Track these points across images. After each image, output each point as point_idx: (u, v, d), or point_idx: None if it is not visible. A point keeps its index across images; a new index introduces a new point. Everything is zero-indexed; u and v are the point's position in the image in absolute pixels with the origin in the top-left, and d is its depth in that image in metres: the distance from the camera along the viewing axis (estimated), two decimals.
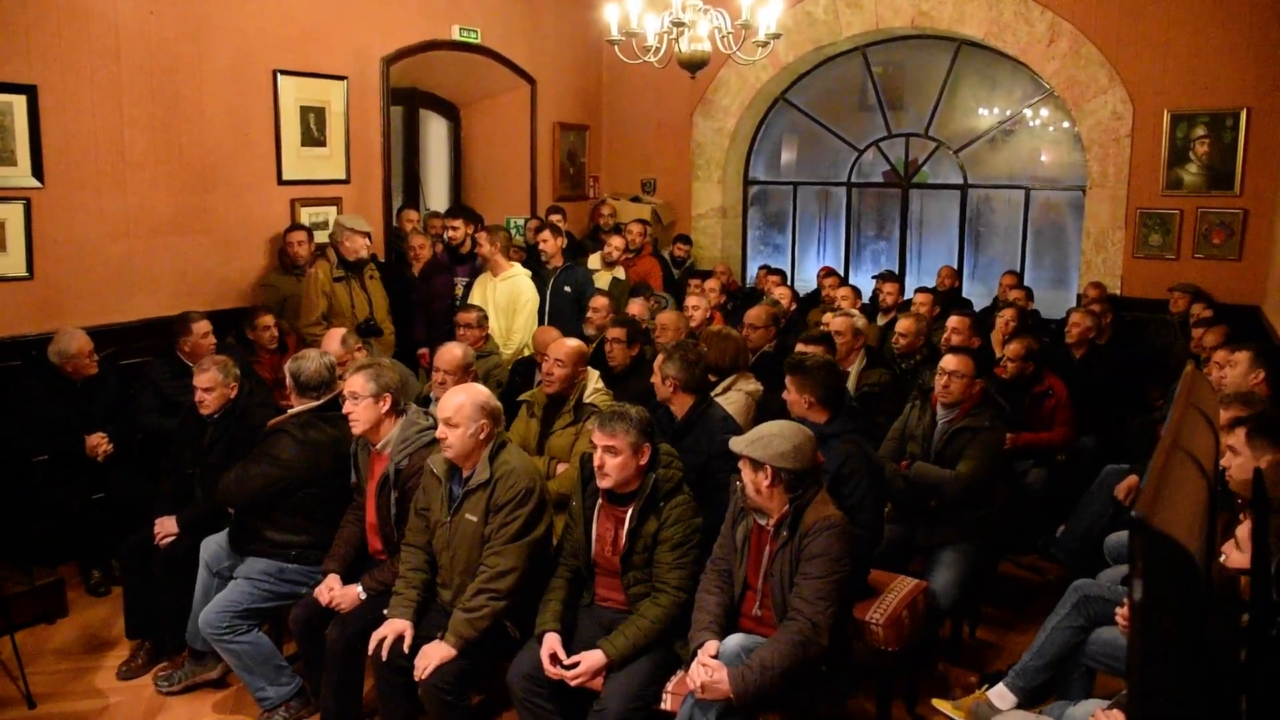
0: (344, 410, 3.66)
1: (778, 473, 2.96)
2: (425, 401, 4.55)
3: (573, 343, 4.48)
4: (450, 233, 6.57)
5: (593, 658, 3.08)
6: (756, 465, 2.98)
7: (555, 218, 7.90)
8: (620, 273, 7.58)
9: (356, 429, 3.65)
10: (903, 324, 5.66)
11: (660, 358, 4.05)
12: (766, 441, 2.99)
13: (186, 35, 6.04)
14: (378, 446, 3.68)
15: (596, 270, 7.38)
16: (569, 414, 4.29)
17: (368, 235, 6.02)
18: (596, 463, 3.19)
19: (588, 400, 4.39)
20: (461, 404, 3.32)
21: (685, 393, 3.96)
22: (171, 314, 5.45)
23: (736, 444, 3.04)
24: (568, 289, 6.56)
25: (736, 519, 3.13)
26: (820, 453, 3.12)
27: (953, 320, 5.67)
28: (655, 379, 4.03)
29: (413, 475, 3.57)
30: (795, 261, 9.97)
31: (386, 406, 3.64)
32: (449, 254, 6.66)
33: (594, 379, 4.56)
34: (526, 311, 6.16)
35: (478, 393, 3.41)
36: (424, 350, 6.31)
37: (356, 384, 3.63)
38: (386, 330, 6.15)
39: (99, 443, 4.83)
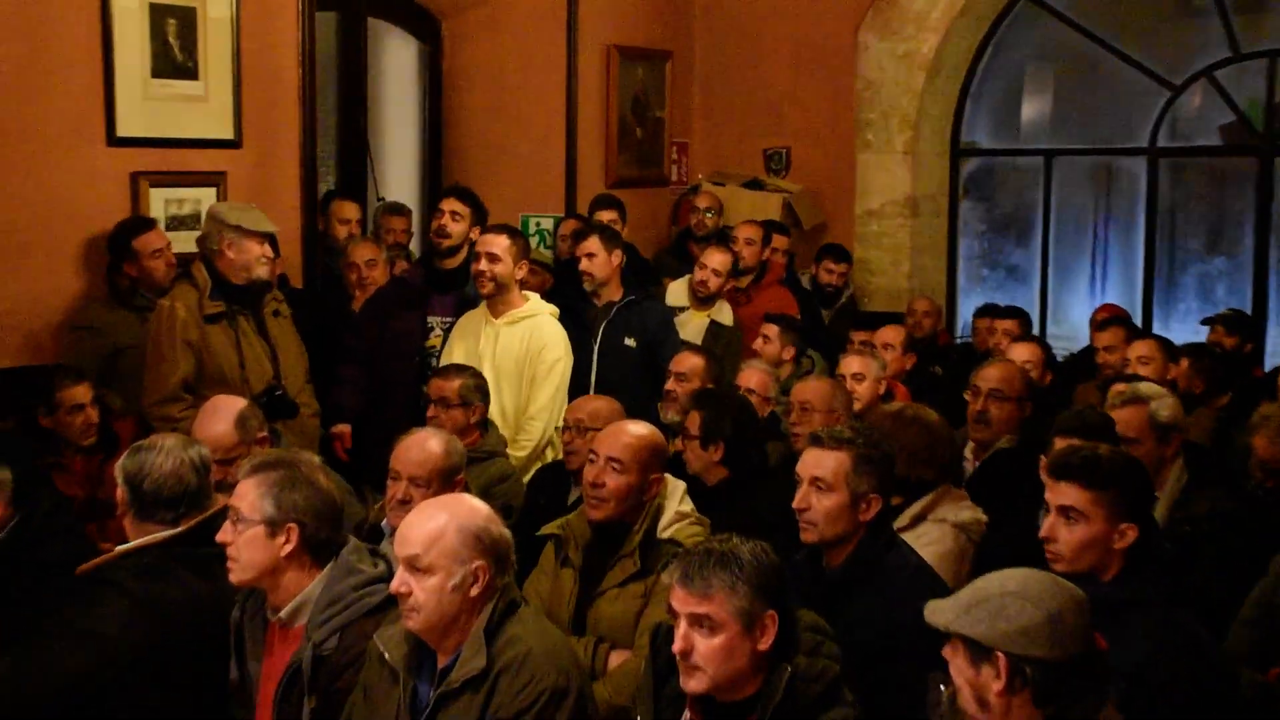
0: (218, 539, 3.62)
1: (1019, 667, 2.88)
2: (375, 535, 4.52)
3: (639, 430, 4.48)
4: (449, 225, 6.53)
5: None
6: (979, 653, 2.92)
7: (609, 216, 7.94)
8: (725, 313, 7.52)
9: (237, 576, 3.62)
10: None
11: (828, 457, 4.00)
12: (996, 609, 2.93)
13: None
14: (281, 614, 3.63)
15: (683, 309, 7.42)
16: (631, 558, 4.29)
17: (270, 240, 6.03)
18: (679, 646, 3.16)
19: (665, 534, 4.41)
20: (439, 532, 3.35)
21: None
22: None
23: (940, 614, 3.01)
24: (630, 341, 6.60)
25: None
26: (1102, 635, 3.02)
27: None
28: (800, 495, 4.00)
29: (346, 667, 3.55)
30: (1048, 297, 9.91)
31: (292, 544, 3.60)
32: (425, 271, 6.70)
33: (677, 496, 4.59)
34: (554, 380, 6.15)
35: (468, 513, 3.44)
36: (343, 427, 6.41)
37: (245, 496, 3.61)
38: (304, 407, 6.13)
39: None
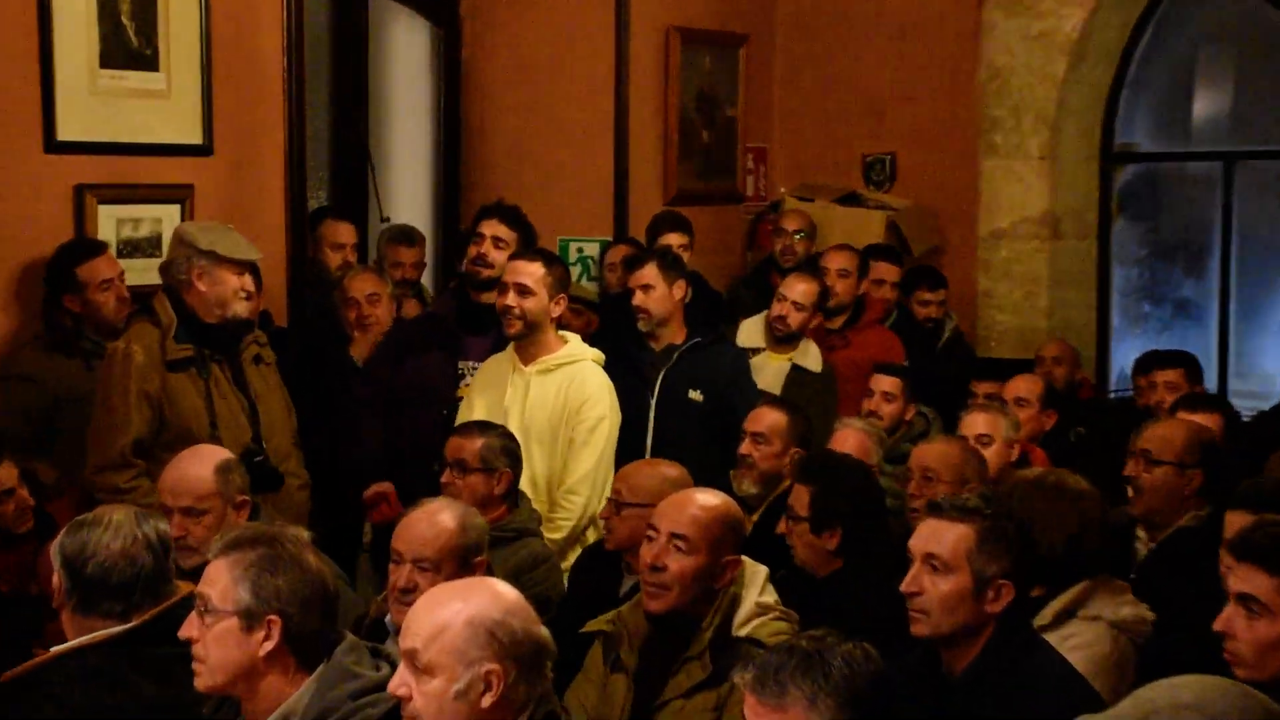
0: (181, 635, 3.58)
1: None
2: (378, 632, 4.54)
3: (709, 501, 4.52)
4: (491, 254, 6.61)
5: None
6: None
7: (678, 241, 8.04)
8: (812, 355, 7.67)
9: (205, 682, 3.59)
10: None
11: (948, 530, 4.03)
12: None
13: None
14: None
15: (758, 350, 7.54)
16: (699, 661, 4.29)
17: (251, 270, 6.11)
18: None
19: (742, 632, 4.42)
20: (443, 625, 3.36)
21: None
22: None
23: None
24: (695, 394, 6.69)
25: None
26: None
27: None
28: (910, 576, 4.02)
29: None
30: (1229, 340, 9.92)
31: (273, 641, 3.57)
32: (458, 305, 6.77)
33: (758, 584, 4.63)
34: (598, 444, 6.26)
35: (486, 602, 3.44)
36: (385, 486, 6.39)
37: (216, 581, 3.58)
38: (292, 477, 6.21)
39: None
